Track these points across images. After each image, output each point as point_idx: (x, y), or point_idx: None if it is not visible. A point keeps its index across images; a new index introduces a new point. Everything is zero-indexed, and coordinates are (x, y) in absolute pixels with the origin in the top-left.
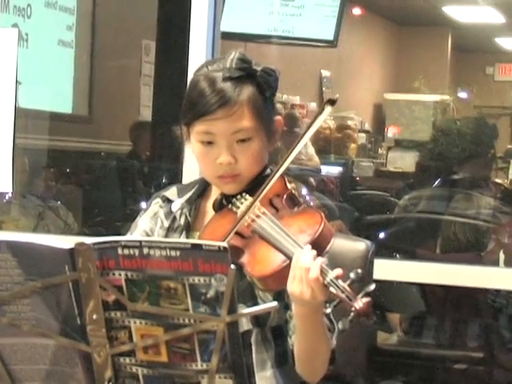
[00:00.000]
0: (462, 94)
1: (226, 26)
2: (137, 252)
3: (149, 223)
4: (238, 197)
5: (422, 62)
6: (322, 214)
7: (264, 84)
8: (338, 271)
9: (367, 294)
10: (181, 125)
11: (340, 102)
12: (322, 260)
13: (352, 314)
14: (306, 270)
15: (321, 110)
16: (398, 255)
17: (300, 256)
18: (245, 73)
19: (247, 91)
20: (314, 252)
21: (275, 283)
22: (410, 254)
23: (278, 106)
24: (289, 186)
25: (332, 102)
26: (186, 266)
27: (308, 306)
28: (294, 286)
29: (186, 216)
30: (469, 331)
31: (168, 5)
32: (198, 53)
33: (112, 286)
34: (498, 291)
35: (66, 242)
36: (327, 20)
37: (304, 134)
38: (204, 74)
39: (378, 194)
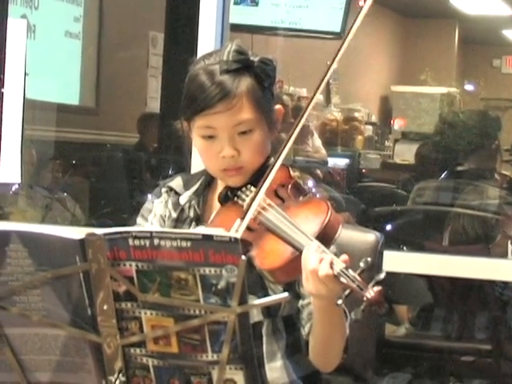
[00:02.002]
0: (469, 87)
1: (234, 17)
2: (147, 243)
3: (163, 210)
4: (243, 189)
5: (428, 55)
6: (328, 203)
7: (262, 74)
8: (344, 257)
9: (378, 283)
10: (181, 120)
11: (347, 94)
12: (330, 256)
13: (364, 303)
14: (314, 272)
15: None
16: (405, 247)
17: (307, 258)
18: (242, 64)
19: (245, 83)
20: (320, 250)
21: (285, 275)
22: (418, 246)
23: (285, 97)
24: (293, 174)
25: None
26: (196, 256)
27: (326, 300)
28: (309, 286)
29: (194, 208)
30: (476, 323)
31: None
32: (207, 45)
33: (123, 277)
34: (505, 283)
35: (76, 232)
36: (334, 12)
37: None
38: (202, 68)
39: (384, 186)
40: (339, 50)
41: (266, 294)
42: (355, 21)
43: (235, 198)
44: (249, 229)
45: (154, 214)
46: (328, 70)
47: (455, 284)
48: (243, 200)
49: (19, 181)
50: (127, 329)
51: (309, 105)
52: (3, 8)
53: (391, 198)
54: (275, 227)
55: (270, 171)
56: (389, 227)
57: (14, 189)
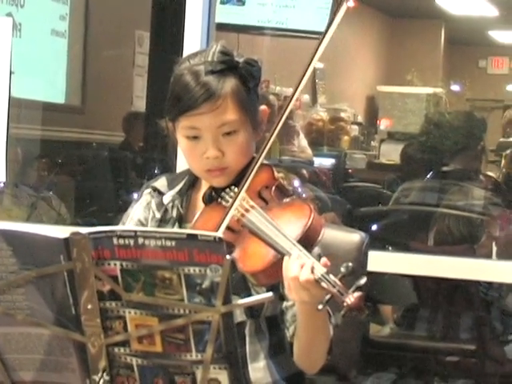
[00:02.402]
0: (455, 87)
1: (220, 17)
2: (132, 242)
3: (142, 213)
4: (227, 190)
5: (414, 55)
6: (311, 206)
7: (247, 75)
8: (324, 260)
9: (359, 288)
10: (166, 120)
11: (333, 94)
12: (311, 261)
13: (344, 308)
14: (295, 279)
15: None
16: (390, 247)
17: (288, 266)
18: (227, 65)
19: (230, 84)
20: (301, 257)
21: (267, 278)
22: (403, 246)
23: (271, 97)
24: (277, 176)
25: None
26: (181, 256)
27: (310, 305)
28: (292, 295)
29: (177, 208)
30: (461, 323)
31: None
32: (193, 44)
33: (107, 276)
34: (490, 284)
35: (61, 231)
36: (321, 12)
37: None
38: (187, 68)
39: (370, 186)
40: (315, 53)
41: (249, 295)
42: (330, 25)
43: (219, 199)
44: (232, 230)
45: (131, 218)
46: (306, 71)
47: (440, 284)
48: (227, 201)
49: (4, 179)
50: (111, 328)
51: (288, 105)
52: None
53: (377, 198)
54: (257, 230)
55: (252, 171)
56: (374, 227)
57: None
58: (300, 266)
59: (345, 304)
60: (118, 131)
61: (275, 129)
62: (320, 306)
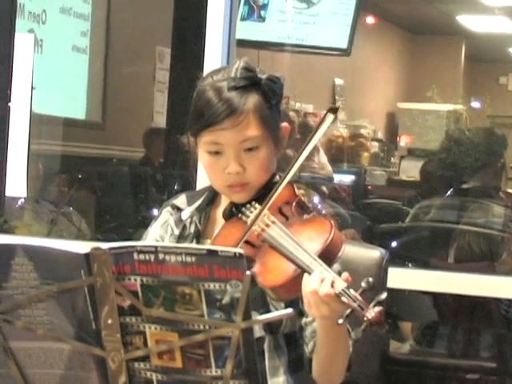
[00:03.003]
0: (475, 104)
1: (241, 33)
2: (152, 257)
3: (159, 231)
4: (248, 206)
5: (435, 71)
6: (332, 222)
7: (269, 92)
8: (345, 275)
9: (379, 303)
10: (188, 135)
11: (353, 110)
12: (331, 275)
13: (364, 323)
14: (315, 293)
15: (323, 118)
16: (410, 264)
17: (307, 282)
18: (250, 82)
19: (253, 100)
20: (322, 273)
21: (287, 293)
22: (423, 263)
23: (291, 113)
24: (297, 192)
25: (334, 110)
26: (201, 271)
27: (329, 319)
28: (312, 311)
29: (196, 224)
30: (481, 341)
31: (183, 12)
32: (213, 60)
33: (127, 291)
34: (511, 301)
35: (81, 247)
36: (341, 28)
37: (308, 142)
38: (209, 84)
39: (390, 203)
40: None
41: (268, 311)
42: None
43: (239, 215)
44: (252, 245)
45: (149, 237)
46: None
47: (460, 301)
48: (247, 216)
49: (25, 195)
50: (131, 343)
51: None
52: (11, 22)
53: (397, 215)
54: (278, 244)
55: (277, 189)
56: (394, 244)
57: (19, 203)
58: (320, 281)
59: (365, 319)
60: (139, 147)
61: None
62: (340, 321)
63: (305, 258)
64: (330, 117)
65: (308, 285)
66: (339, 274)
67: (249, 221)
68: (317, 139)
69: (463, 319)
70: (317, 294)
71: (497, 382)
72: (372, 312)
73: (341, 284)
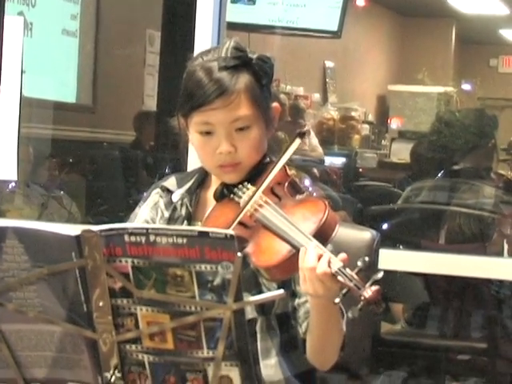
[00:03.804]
0: (466, 86)
1: (231, 16)
2: (143, 239)
3: (149, 213)
4: (240, 186)
5: (425, 54)
6: (326, 202)
7: (260, 71)
8: (343, 256)
9: (376, 282)
10: (178, 116)
11: (344, 93)
12: (328, 254)
13: (361, 302)
14: (312, 270)
15: (290, 142)
16: (401, 246)
17: (305, 257)
18: (240, 61)
19: (244, 79)
20: (318, 248)
21: (281, 273)
22: (414, 245)
23: (282, 96)
24: (289, 173)
25: (301, 135)
26: (192, 253)
27: (324, 298)
28: (306, 286)
29: (186, 206)
30: (472, 322)
31: None
32: (204, 43)
33: (118, 273)
34: (501, 282)
35: (72, 229)
36: (331, 11)
37: (274, 167)
38: (200, 65)
39: (381, 185)
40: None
41: (260, 292)
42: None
43: (231, 195)
44: (245, 226)
45: (138, 219)
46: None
47: (451, 283)
48: (239, 197)
49: (15, 178)
50: (123, 325)
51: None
52: (0, 5)
53: (387, 197)
54: (272, 224)
55: (271, 171)
56: (385, 226)
57: (10, 187)
58: (317, 257)
59: (362, 298)
60: (129, 130)
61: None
62: (337, 300)
63: (299, 237)
64: (297, 141)
65: (305, 261)
66: (333, 254)
67: (241, 201)
68: (284, 161)
69: (454, 300)
70: (314, 270)
71: (487, 362)
72: (369, 291)
73: (337, 263)
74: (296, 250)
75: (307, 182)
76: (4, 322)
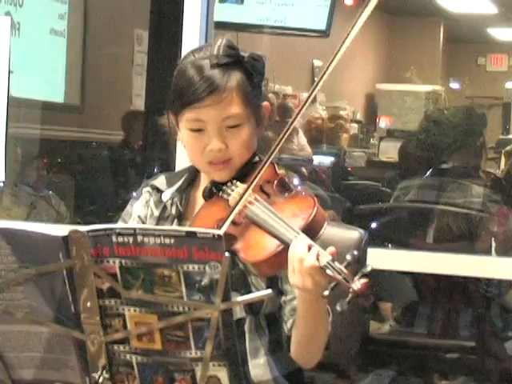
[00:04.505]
0: (454, 85)
1: (219, 15)
2: (131, 240)
3: (142, 210)
4: (229, 184)
5: (413, 52)
6: (315, 199)
7: (252, 70)
8: (332, 249)
9: (365, 275)
10: (168, 114)
11: (332, 92)
12: (317, 248)
13: (350, 295)
14: (301, 261)
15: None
16: (389, 245)
17: (294, 248)
18: (232, 59)
19: (235, 77)
20: (308, 241)
21: (270, 268)
22: (402, 244)
23: (271, 95)
24: (279, 171)
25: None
26: (180, 253)
27: (311, 292)
28: (295, 278)
29: (177, 205)
30: (461, 320)
31: None
32: (191, 42)
33: (106, 274)
34: (489, 280)
35: (60, 230)
36: (319, 10)
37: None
38: (191, 62)
39: (370, 184)
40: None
41: (249, 291)
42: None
43: (220, 193)
44: (234, 223)
45: (133, 218)
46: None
47: (439, 281)
48: (228, 195)
49: (3, 179)
50: (111, 326)
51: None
52: None
53: (376, 196)
54: (261, 220)
55: (261, 169)
56: (374, 225)
57: None
58: (307, 248)
59: (351, 290)
60: (118, 130)
61: (287, 131)
62: (326, 292)
63: (288, 232)
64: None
65: (295, 251)
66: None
67: (230, 199)
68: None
69: (442, 299)
70: (302, 261)
71: (476, 360)
72: (358, 284)
73: (326, 257)
74: (285, 244)
75: (296, 181)
76: None
